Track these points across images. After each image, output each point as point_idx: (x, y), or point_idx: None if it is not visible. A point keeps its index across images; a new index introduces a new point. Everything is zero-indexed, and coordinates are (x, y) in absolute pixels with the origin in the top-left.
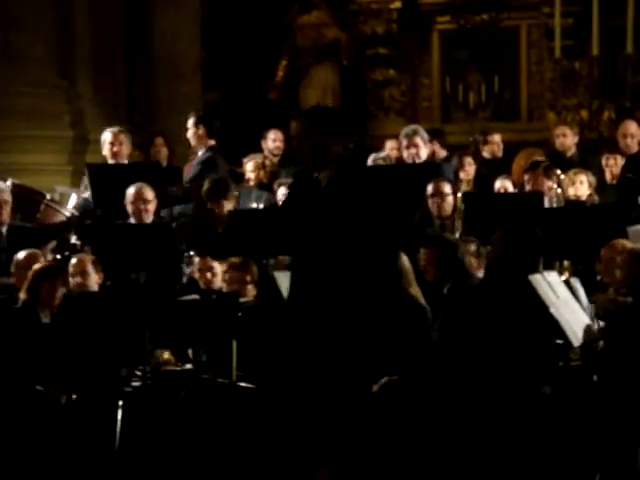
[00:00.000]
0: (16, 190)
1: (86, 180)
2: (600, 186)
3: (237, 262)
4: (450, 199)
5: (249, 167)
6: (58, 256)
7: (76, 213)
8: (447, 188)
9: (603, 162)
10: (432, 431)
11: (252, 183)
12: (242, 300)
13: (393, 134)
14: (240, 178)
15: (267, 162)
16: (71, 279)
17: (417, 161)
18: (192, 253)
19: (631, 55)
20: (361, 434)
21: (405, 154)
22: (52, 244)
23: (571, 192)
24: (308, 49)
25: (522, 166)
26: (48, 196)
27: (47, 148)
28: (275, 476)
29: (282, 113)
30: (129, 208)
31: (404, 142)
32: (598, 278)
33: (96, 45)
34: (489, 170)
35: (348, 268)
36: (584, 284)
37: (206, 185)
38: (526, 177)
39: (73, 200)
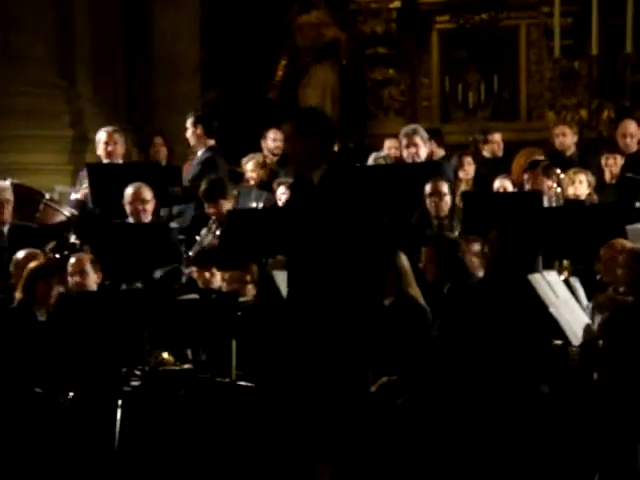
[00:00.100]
0: (15, 190)
1: (79, 179)
2: (599, 186)
3: None
4: (448, 199)
5: (249, 167)
6: (57, 255)
7: (75, 213)
8: (445, 188)
9: (603, 162)
10: (431, 431)
11: (252, 183)
12: (242, 299)
13: (392, 133)
14: (240, 178)
15: (267, 162)
16: (70, 278)
17: (417, 160)
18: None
19: (630, 54)
20: (360, 433)
21: (405, 153)
22: (51, 244)
23: (570, 191)
24: (307, 49)
25: (522, 165)
26: (47, 196)
27: (47, 148)
28: (275, 476)
29: (282, 113)
30: (127, 208)
31: (404, 141)
32: (598, 278)
33: (96, 45)
34: (489, 170)
35: (338, 266)
36: (583, 284)
37: (203, 185)
38: (525, 176)
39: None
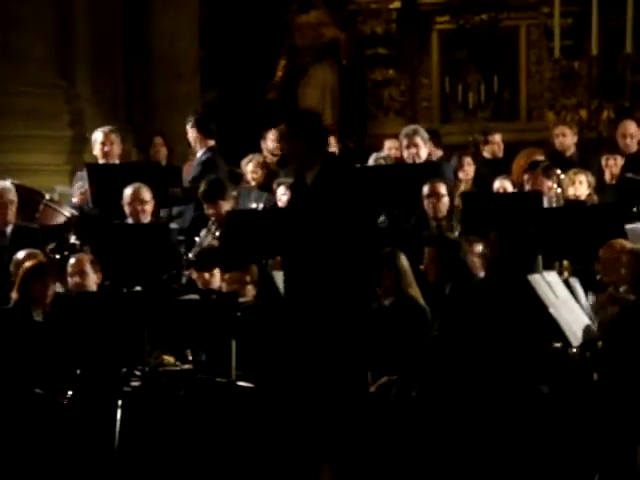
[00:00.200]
0: (15, 190)
1: (76, 180)
2: (599, 186)
3: None
4: (446, 200)
5: (249, 168)
6: (57, 256)
7: (76, 213)
8: (443, 189)
9: (603, 162)
10: (431, 431)
11: (253, 183)
12: (241, 300)
13: (392, 134)
14: (240, 178)
15: (267, 162)
16: (69, 279)
17: (417, 161)
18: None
19: (630, 55)
20: (360, 431)
21: (405, 154)
22: (51, 244)
23: (570, 192)
24: (307, 49)
25: (522, 166)
26: (47, 196)
27: (46, 148)
28: (275, 476)
29: (281, 113)
30: (126, 209)
31: (404, 142)
32: (598, 278)
33: (95, 45)
34: (489, 170)
35: (328, 266)
36: (583, 284)
37: (202, 186)
38: (526, 177)
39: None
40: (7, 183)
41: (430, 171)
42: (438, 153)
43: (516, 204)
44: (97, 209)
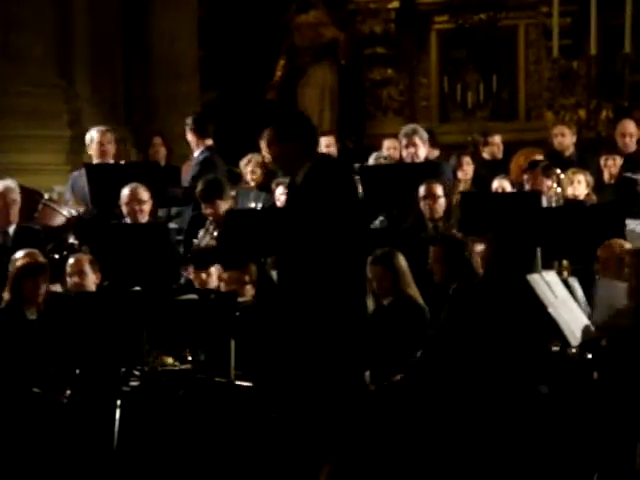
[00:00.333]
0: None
1: (71, 182)
2: (598, 186)
3: None
4: (442, 201)
5: (247, 168)
6: (56, 256)
7: (74, 213)
8: (439, 190)
9: (602, 162)
10: (431, 430)
11: (253, 184)
12: (240, 300)
13: (391, 133)
14: (238, 178)
15: (265, 162)
16: (68, 279)
17: (416, 160)
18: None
19: (629, 54)
20: (359, 430)
21: (404, 153)
22: (50, 244)
23: (569, 191)
24: (306, 49)
25: (520, 165)
26: (46, 195)
27: (46, 148)
28: (275, 475)
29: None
30: (124, 209)
31: (403, 141)
32: (597, 277)
33: (95, 45)
34: (489, 171)
35: (315, 264)
36: (582, 284)
37: (200, 186)
38: (525, 177)
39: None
40: (11, 182)
41: (429, 171)
42: (435, 153)
43: (515, 204)
44: (96, 209)
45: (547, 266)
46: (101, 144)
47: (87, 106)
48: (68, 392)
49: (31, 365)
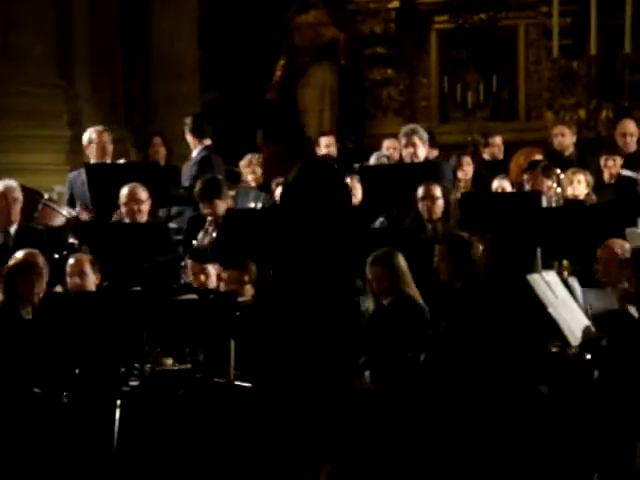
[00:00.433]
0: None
1: (69, 183)
2: (598, 185)
3: None
4: (440, 202)
5: (247, 167)
6: (56, 256)
7: (74, 213)
8: (437, 191)
9: (602, 163)
10: (431, 430)
11: (253, 184)
12: (240, 300)
13: (391, 133)
14: (237, 178)
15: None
16: (69, 279)
17: (415, 160)
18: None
19: (629, 54)
20: (360, 430)
21: (404, 153)
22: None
23: (569, 191)
24: (306, 49)
25: (520, 165)
26: (46, 195)
27: (46, 148)
28: (274, 476)
29: (280, 113)
30: (122, 209)
31: (403, 141)
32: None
33: (95, 45)
34: (489, 172)
35: (304, 266)
36: (582, 283)
37: (198, 186)
38: (525, 177)
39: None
40: (12, 181)
41: (430, 171)
42: (434, 153)
43: (515, 204)
44: (95, 209)
45: (547, 266)
46: (99, 144)
47: (87, 106)
48: (69, 392)
49: (29, 365)
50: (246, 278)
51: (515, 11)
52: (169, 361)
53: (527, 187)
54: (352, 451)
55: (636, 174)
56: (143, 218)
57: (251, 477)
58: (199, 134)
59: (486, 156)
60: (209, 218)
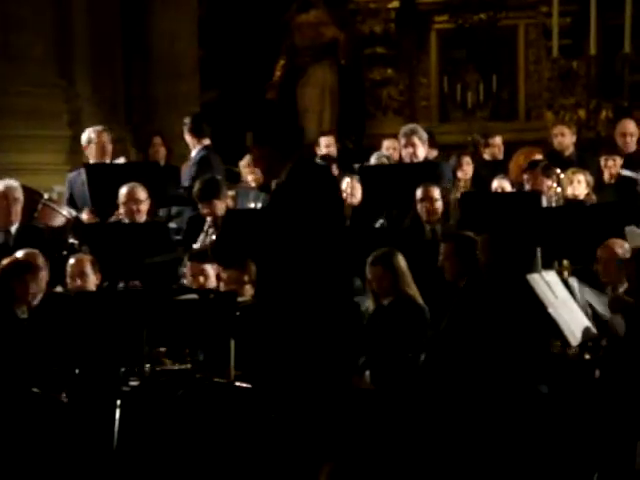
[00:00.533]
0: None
1: (68, 183)
2: (598, 185)
3: None
4: (439, 204)
5: (247, 168)
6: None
7: (73, 213)
8: (436, 193)
9: (602, 163)
10: (431, 431)
11: (253, 184)
12: (240, 300)
13: (391, 133)
14: (237, 178)
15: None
16: (69, 280)
17: (414, 160)
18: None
19: (629, 54)
20: (360, 430)
21: (403, 153)
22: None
23: (569, 191)
24: (306, 48)
25: (520, 165)
26: (46, 195)
27: (46, 147)
28: (274, 476)
29: (280, 113)
30: (121, 209)
31: (402, 141)
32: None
33: (95, 45)
34: (489, 172)
35: (295, 266)
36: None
37: (197, 186)
38: (525, 177)
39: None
40: (13, 181)
41: (429, 171)
42: (433, 153)
43: (515, 204)
44: (95, 209)
45: (547, 266)
46: (99, 144)
47: (87, 106)
48: (68, 392)
49: (28, 365)
50: (246, 278)
51: (515, 11)
52: (169, 360)
53: (527, 187)
54: (352, 451)
55: (636, 174)
56: (142, 218)
57: (251, 477)
58: (198, 134)
59: (486, 156)
60: (208, 219)
